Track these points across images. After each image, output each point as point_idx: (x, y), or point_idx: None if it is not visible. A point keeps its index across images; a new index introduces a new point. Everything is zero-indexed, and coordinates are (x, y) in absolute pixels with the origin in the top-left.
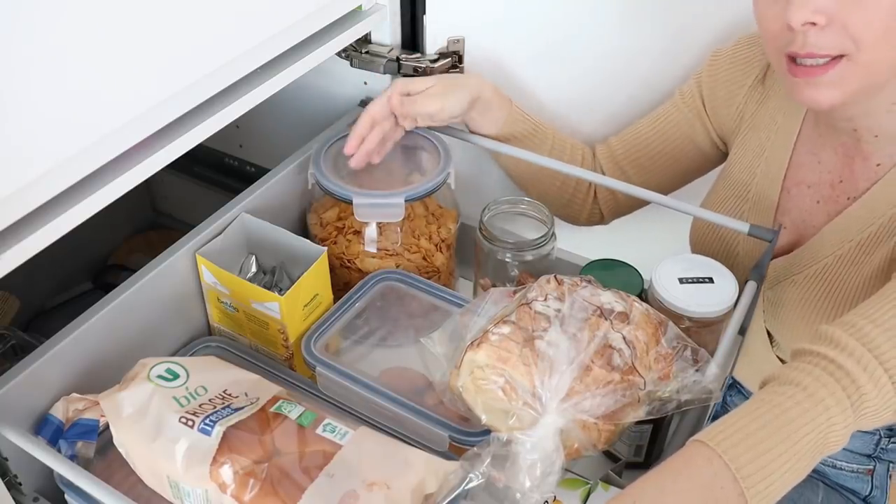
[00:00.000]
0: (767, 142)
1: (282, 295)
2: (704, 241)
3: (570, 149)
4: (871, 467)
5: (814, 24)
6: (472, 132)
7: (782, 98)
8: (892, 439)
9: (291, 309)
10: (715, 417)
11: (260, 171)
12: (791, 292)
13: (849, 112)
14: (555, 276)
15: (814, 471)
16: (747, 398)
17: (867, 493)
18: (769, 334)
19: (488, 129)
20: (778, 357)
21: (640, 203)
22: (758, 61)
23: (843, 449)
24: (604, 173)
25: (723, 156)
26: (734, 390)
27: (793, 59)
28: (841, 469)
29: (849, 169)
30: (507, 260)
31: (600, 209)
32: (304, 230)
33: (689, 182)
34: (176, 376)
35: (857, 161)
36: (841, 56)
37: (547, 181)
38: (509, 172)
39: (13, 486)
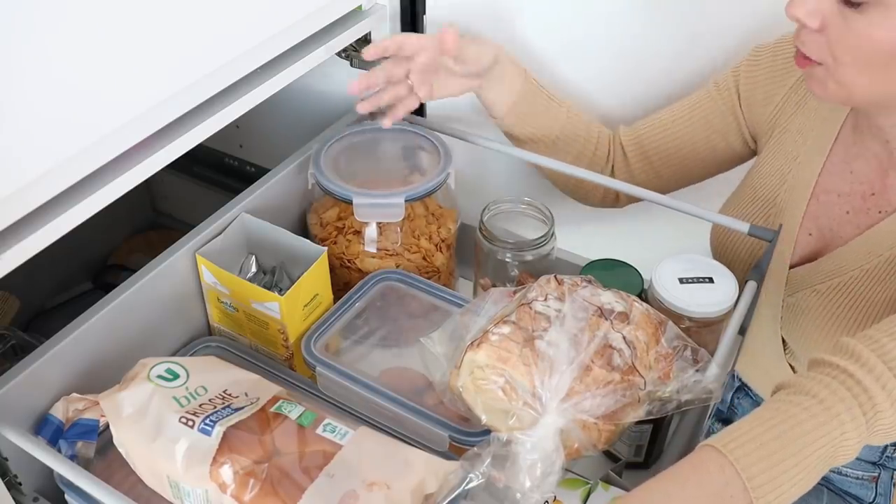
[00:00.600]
0: (802, 146)
1: (282, 295)
2: (724, 245)
3: (584, 127)
4: (876, 474)
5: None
6: (485, 103)
7: (821, 102)
8: None
9: (291, 309)
10: (721, 420)
11: (260, 171)
12: (812, 301)
13: (877, 121)
14: (555, 276)
15: None
16: (756, 402)
17: (871, 500)
18: (783, 341)
19: (502, 97)
20: (790, 364)
21: (655, 190)
22: None
23: None
24: (625, 156)
25: (750, 153)
26: (742, 393)
27: (798, 51)
28: (846, 475)
29: (882, 182)
30: (507, 260)
31: (616, 190)
32: (304, 230)
33: (713, 176)
34: (176, 376)
35: (892, 175)
36: (818, 63)
37: (560, 156)
38: (522, 145)
39: (13, 486)
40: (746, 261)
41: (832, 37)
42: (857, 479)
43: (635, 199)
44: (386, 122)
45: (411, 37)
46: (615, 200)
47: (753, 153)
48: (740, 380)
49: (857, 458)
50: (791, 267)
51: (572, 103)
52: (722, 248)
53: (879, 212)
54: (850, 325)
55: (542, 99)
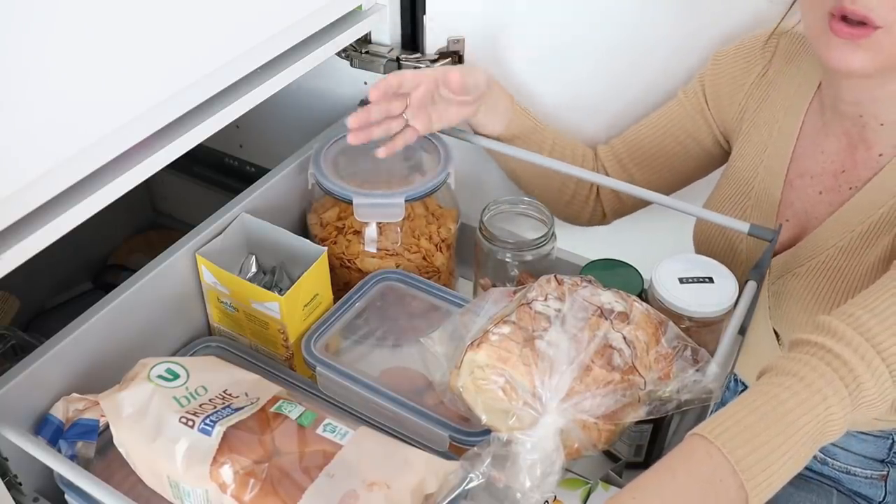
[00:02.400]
0: (769, 139)
1: (282, 295)
2: (708, 241)
3: (570, 149)
4: (885, 473)
5: None
6: (476, 132)
7: (783, 94)
8: None
9: (291, 309)
10: None
11: (260, 171)
12: (793, 285)
13: (858, 96)
14: (555, 276)
15: (827, 477)
16: None
17: (881, 500)
18: (776, 335)
19: (493, 128)
20: None
21: (644, 202)
22: (759, 59)
23: (857, 455)
24: (607, 174)
25: (726, 155)
26: None
27: (837, 18)
28: (855, 475)
29: (851, 159)
30: (507, 260)
31: (602, 209)
32: (304, 230)
33: (693, 181)
34: (176, 376)
35: (861, 150)
36: (877, 27)
37: (547, 181)
38: (509, 173)
39: (13, 486)
40: (730, 257)
41: None
42: (867, 478)
43: (619, 215)
44: (381, 153)
45: (408, 73)
46: (602, 218)
47: (727, 153)
48: (744, 384)
49: (865, 457)
50: (772, 255)
51: (557, 129)
52: (705, 246)
53: (850, 188)
54: (830, 304)
55: (530, 124)
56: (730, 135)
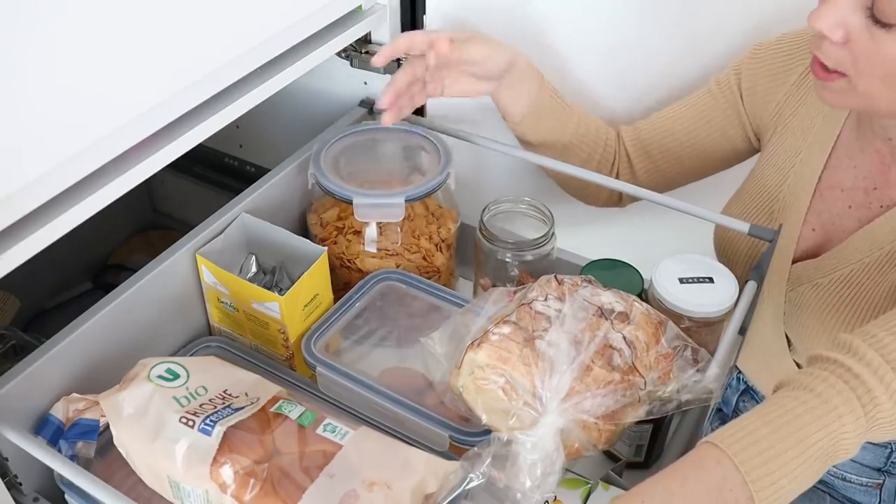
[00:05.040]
0: (804, 143)
1: (282, 295)
2: (728, 243)
3: (594, 129)
4: (881, 481)
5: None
6: (500, 107)
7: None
8: None
9: (291, 309)
10: (722, 421)
11: (260, 171)
12: (812, 295)
13: (883, 120)
14: (555, 276)
15: (821, 482)
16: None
17: None
18: (788, 339)
19: (516, 107)
20: (795, 362)
21: (658, 188)
22: (801, 58)
23: (853, 461)
24: (628, 156)
25: (752, 151)
26: (748, 396)
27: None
28: (850, 482)
29: (884, 177)
30: (507, 260)
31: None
32: (304, 230)
33: (716, 172)
34: (176, 376)
35: (894, 170)
36: (843, 74)
37: (569, 160)
38: (533, 149)
39: (13, 486)
40: (749, 258)
41: (857, 52)
42: (862, 485)
43: (637, 199)
44: (387, 120)
45: (418, 34)
46: (618, 200)
47: (755, 150)
48: (746, 383)
49: (861, 464)
50: (793, 262)
51: (582, 109)
52: (725, 246)
53: (881, 206)
54: (849, 319)
55: (556, 105)
56: (762, 132)
